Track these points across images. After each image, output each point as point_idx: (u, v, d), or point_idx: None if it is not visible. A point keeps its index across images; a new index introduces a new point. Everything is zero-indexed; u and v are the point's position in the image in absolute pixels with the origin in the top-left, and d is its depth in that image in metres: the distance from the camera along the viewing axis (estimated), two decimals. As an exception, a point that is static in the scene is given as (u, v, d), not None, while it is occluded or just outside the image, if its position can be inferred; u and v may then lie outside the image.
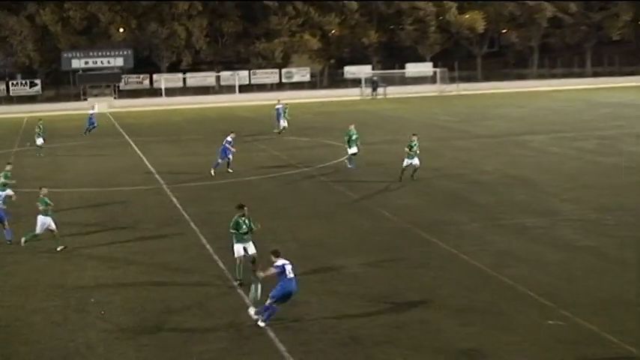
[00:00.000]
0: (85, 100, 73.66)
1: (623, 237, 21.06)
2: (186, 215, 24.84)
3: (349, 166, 32.90)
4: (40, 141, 40.42)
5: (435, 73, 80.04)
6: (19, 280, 18.86)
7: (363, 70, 78.92)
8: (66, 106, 70.90)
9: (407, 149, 29.40)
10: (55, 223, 21.14)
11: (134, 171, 34.42)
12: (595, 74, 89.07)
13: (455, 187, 28.53)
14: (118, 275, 18.88)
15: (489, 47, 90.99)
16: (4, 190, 23.39)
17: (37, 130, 40.96)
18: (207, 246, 21.05)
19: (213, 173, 31.77)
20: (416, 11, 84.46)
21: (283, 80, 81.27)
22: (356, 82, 77.26)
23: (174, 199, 27.48)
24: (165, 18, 80.00)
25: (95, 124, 48.64)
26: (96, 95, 76.25)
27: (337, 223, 23.40)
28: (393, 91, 74.83)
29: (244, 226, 17.69)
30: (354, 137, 32.47)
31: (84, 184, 31.35)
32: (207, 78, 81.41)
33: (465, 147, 38.59)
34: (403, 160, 29.44)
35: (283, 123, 45.68)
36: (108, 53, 78.35)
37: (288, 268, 15.18)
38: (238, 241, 17.72)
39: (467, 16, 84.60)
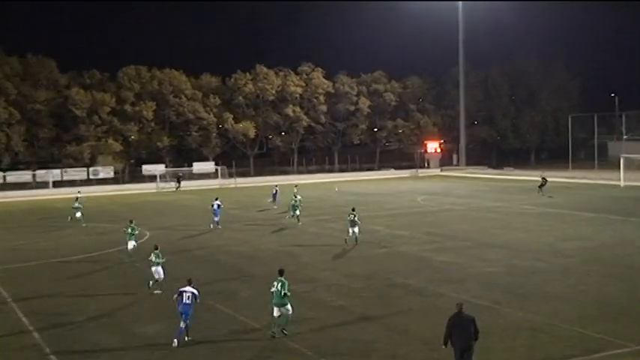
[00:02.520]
0: None
1: (368, 297, 22.27)
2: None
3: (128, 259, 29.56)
4: None
5: (216, 170, 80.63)
6: None
7: (158, 168, 78.01)
8: None
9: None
10: None
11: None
12: (341, 170, 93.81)
13: (235, 262, 28.78)
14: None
15: (259, 149, 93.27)
16: None
17: None
18: None
19: (213, 227, 37.71)
20: (200, 121, 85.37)
21: (91, 177, 78.40)
22: (152, 178, 76.09)
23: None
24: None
25: None
26: None
27: (143, 299, 22.71)
28: (185, 185, 74.31)
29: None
30: (134, 232, 29.58)
31: None
32: (24, 175, 76.87)
33: (244, 229, 39.00)
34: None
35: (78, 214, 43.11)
36: None
37: (185, 295, 17.47)
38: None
39: (241, 125, 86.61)
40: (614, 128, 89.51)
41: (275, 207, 48.57)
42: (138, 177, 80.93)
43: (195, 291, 18.00)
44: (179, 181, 74.15)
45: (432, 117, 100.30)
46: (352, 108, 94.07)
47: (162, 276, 23.43)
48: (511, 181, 72.62)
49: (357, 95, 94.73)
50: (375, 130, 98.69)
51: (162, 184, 74.46)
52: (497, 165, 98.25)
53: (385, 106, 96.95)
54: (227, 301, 22.01)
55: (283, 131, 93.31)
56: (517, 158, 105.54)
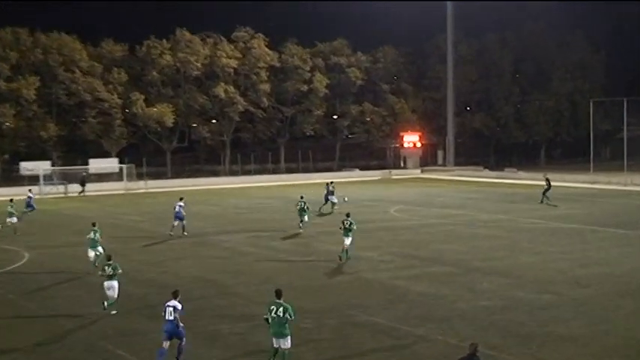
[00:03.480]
0: None
1: (323, 341, 22.12)
2: None
3: None
4: None
5: (121, 169, 79.57)
6: None
7: (41, 166, 76.52)
8: None
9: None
10: None
11: None
12: (289, 170, 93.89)
13: (143, 292, 28.37)
14: None
15: (179, 142, 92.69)
16: None
17: None
18: None
19: (173, 233, 41.95)
20: (100, 103, 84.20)
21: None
22: (34, 179, 74.64)
23: None
24: None
25: None
26: None
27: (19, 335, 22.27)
28: (77, 189, 73.18)
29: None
30: (96, 238, 32.70)
31: None
32: None
33: (155, 249, 38.56)
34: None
35: None
36: None
37: (168, 310, 19.60)
38: None
39: (155, 109, 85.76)
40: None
41: (336, 208, 53.02)
42: (14, 178, 79.42)
43: (177, 304, 19.98)
44: (83, 184, 73.04)
45: (410, 100, 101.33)
46: (304, 88, 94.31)
47: (117, 293, 25.50)
48: (515, 187, 73.64)
49: (312, 71, 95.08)
50: (335, 117, 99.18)
51: (47, 188, 73.20)
52: (497, 165, 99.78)
53: (348, 85, 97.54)
54: (130, 345, 21.58)
55: (212, 118, 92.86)
56: (522, 156, 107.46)
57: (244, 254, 36.70)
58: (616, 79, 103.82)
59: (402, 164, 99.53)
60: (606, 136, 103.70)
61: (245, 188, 76.45)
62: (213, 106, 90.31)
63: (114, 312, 25.11)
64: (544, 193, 57.22)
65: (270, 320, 19.22)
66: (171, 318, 19.69)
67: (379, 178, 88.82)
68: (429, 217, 50.33)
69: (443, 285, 29.07)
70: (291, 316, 19.20)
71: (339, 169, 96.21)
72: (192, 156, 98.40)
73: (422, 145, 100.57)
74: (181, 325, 19.95)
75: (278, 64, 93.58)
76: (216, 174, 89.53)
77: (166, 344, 19.45)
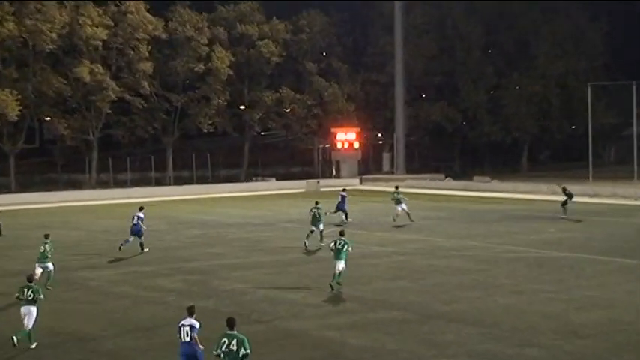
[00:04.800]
0: None
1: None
2: None
3: None
4: None
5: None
6: None
7: None
8: None
9: None
10: None
11: None
12: (180, 181, 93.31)
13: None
14: None
15: (27, 142, 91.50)
16: None
17: None
18: None
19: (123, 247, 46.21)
20: None
21: None
22: None
23: None
24: None
25: None
26: None
27: None
28: None
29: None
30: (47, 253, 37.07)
31: None
32: None
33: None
34: None
35: None
36: None
37: (183, 330, 22.37)
38: None
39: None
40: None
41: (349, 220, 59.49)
42: None
43: (195, 323, 22.87)
44: None
45: (345, 85, 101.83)
46: (200, 68, 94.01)
47: (33, 322, 27.76)
48: (488, 202, 74.38)
49: (210, 44, 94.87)
50: (243, 107, 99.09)
51: None
52: (463, 172, 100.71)
53: (261, 64, 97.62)
54: None
55: (72, 110, 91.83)
56: (498, 160, 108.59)
57: (118, 296, 36.27)
58: (621, 56, 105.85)
59: (334, 172, 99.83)
60: (610, 133, 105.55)
61: (118, 206, 75.61)
62: (74, 93, 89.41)
63: (34, 345, 27.35)
64: (563, 205, 58.36)
65: (221, 357, 20.42)
66: (188, 339, 22.51)
67: (303, 190, 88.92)
68: (372, 243, 50.37)
69: (391, 337, 29.03)
70: (246, 350, 20.40)
71: (249, 178, 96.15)
72: (46, 162, 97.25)
73: (361, 145, 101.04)
74: (201, 347, 22.51)
75: (164, 36, 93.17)
76: (78, 186, 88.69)
77: None
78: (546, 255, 45.51)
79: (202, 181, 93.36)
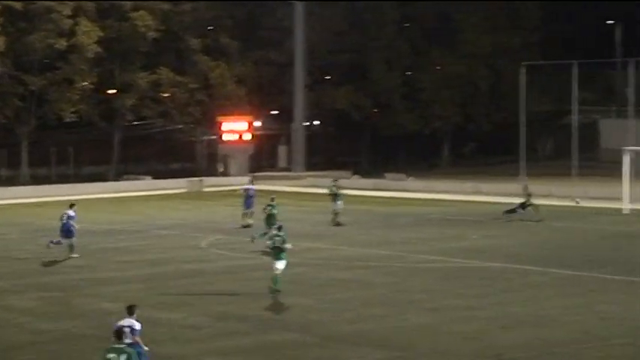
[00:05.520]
0: None
1: None
2: None
3: None
4: None
5: None
6: None
7: None
8: None
9: None
10: None
11: None
12: (37, 180, 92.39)
13: None
14: None
15: None
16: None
17: None
18: None
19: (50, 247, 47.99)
20: None
21: None
22: None
23: None
24: None
25: None
26: None
27: None
28: None
29: None
30: None
31: None
32: None
33: None
34: None
35: None
36: None
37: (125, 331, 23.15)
38: None
39: None
40: (612, 91, 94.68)
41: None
42: None
43: (135, 324, 24.13)
44: None
45: (235, 65, 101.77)
46: (62, 44, 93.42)
47: None
48: (402, 203, 75.01)
49: (74, 17, 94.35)
50: (112, 92, 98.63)
51: None
52: (374, 169, 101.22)
53: (135, 40, 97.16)
54: None
55: None
56: (415, 154, 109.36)
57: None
58: (559, 33, 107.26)
59: (220, 168, 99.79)
60: (546, 122, 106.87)
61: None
62: None
63: None
64: (523, 207, 59.66)
65: None
66: (129, 341, 23.05)
67: (184, 190, 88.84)
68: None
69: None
70: None
71: (119, 177, 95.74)
72: None
73: (253, 137, 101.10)
74: (145, 348, 23.93)
75: (18, 5, 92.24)
76: None
77: None
78: (468, 265, 46.09)
79: (63, 180, 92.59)
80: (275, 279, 38.10)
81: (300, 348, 30.97)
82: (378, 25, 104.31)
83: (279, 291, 37.73)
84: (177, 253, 51.16)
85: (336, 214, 60.98)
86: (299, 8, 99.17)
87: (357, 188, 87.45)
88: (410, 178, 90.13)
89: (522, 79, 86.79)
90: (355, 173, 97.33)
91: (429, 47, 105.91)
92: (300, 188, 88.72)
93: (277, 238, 38.71)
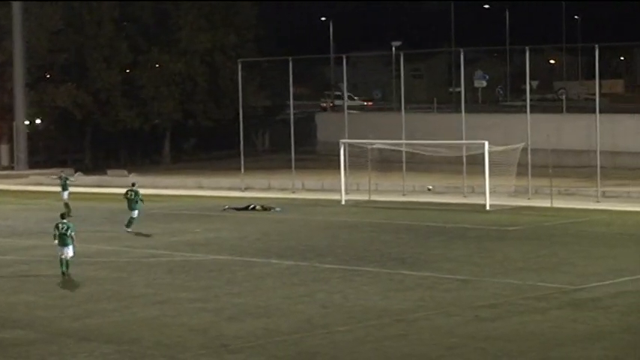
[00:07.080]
0: None
1: None
2: None
3: None
4: None
5: None
6: None
7: None
8: None
9: None
10: None
11: None
12: None
13: None
14: None
15: None
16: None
17: None
18: None
19: None
20: None
21: None
22: None
23: None
24: None
25: None
26: None
27: None
28: None
29: None
30: None
31: None
32: None
33: None
34: None
35: None
36: None
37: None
38: None
39: None
40: (327, 86, 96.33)
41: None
42: None
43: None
44: None
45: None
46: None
47: None
48: (123, 199, 74.60)
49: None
50: None
51: None
52: (96, 165, 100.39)
53: None
54: None
55: None
56: (138, 150, 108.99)
57: None
58: (277, 30, 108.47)
59: None
60: (263, 117, 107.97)
61: None
62: None
63: None
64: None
65: None
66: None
67: None
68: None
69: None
70: None
71: None
72: None
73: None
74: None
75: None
76: None
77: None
78: (192, 259, 46.28)
79: None
80: (64, 264, 40.52)
81: (24, 345, 30.43)
82: (96, 23, 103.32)
83: (68, 274, 40.65)
84: None
85: (66, 204, 61.09)
86: (17, 7, 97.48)
87: (80, 185, 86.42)
88: (132, 174, 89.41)
89: (239, 75, 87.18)
90: (77, 170, 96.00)
91: (148, 45, 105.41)
92: (24, 186, 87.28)
93: (62, 226, 39.72)
